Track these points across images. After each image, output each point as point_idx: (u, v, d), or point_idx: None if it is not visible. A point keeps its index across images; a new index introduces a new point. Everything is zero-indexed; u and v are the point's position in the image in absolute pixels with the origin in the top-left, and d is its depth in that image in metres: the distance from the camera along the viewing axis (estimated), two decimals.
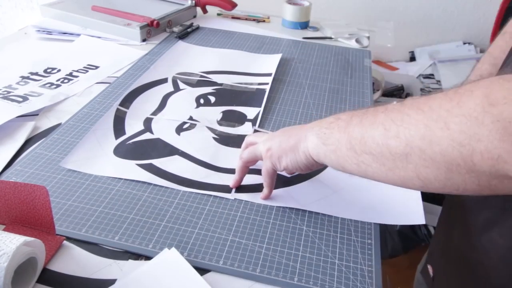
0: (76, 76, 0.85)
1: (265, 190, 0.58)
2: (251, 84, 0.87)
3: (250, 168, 0.62)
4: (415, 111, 0.39)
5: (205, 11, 1.22)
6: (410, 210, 0.57)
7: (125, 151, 0.64)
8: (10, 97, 0.75)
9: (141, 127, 0.70)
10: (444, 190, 0.39)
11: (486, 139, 0.34)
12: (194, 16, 1.21)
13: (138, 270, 0.46)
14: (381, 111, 0.43)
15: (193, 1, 1.19)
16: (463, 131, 0.35)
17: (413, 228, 1.36)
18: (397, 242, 1.40)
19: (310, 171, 0.54)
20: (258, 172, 0.62)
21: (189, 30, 1.10)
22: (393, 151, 0.40)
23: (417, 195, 0.59)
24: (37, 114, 0.72)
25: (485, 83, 0.36)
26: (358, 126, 0.44)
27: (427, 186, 0.40)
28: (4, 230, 0.48)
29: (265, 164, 0.56)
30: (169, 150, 0.65)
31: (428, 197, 0.72)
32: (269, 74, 0.90)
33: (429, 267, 0.72)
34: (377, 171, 0.43)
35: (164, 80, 0.85)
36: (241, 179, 0.60)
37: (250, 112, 0.77)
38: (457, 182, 0.37)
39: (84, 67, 0.89)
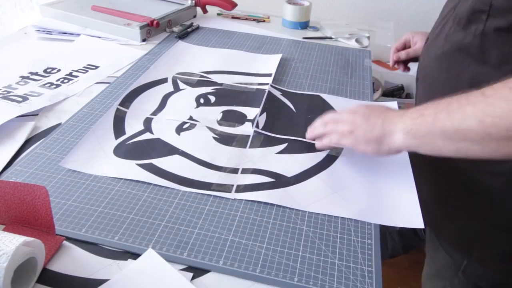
0: (76, 76, 0.85)
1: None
2: (251, 84, 0.86)
3: (250, 167, 0.62)
4: (505, 102, 0.45)
5: (205, 11, 1.22)
6: (410, 213, 0.57)
7: (125, 151, 0.64)
8: (10, 97, 0.75)
9: (141, 127, 0.70)
10: None
11: None
12: (194, 16, 1.21)
13: (120, 273, 0.46)
14: (465, 104, 0.48)
15: (193, 1, 1.19)
16: None
17: (413, 228, 1.36)
18: (397, 242, 1.40)
19: None
20: (258, 172, 0.62)
21: (189, 30, 1.10)
22: (495, 137, 0.46)
23: (414, 199, 0.58)
24: (37, 114, 0.72)
25: None
26: (448, 121, 0.49)
27: None
28: (4, 230, 0.48)
29: (338, 140, 0.61)
30: (169, 150, 0.65)
31: None
32: (269, 75, 0.90)
33: None
34: (479, 152, 0.49)
35: (164, 80, 0.85)
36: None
37: (250, 112, 0.77)
38: None
39: (84, 67, 0.89)
